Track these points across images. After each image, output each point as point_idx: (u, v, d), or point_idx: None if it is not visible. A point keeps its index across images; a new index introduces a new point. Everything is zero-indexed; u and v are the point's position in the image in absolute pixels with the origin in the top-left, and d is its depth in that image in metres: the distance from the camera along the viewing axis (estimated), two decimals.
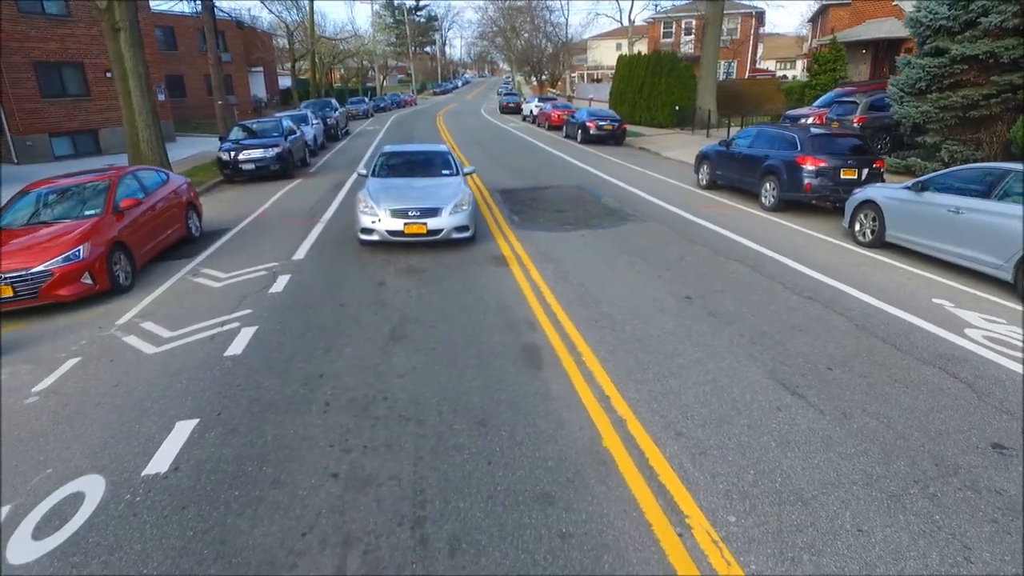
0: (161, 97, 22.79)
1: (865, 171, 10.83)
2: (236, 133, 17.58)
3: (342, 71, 68.35)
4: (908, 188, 8.50)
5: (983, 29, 11.86)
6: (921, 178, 8.50)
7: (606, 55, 64.82)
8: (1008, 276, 6.92)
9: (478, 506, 3.68)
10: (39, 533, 3.55)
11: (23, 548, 3.44)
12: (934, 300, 6.93)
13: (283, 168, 16.42)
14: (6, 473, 4.15)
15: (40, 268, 6.99)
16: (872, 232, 9.06)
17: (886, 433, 4.35)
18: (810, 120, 18.05)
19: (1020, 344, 5.74)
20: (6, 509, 3.77)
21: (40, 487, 3.98)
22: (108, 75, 22.35)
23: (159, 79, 24.35)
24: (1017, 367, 5.27)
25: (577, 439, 4.37)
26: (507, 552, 3.33)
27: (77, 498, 3.86)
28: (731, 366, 5.40)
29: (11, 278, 6.87)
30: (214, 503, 3.75)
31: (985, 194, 7.36)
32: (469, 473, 4.00)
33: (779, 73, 57.32)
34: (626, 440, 4.34)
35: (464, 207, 9.16)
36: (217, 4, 21.52)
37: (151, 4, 27.99)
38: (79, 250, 7.26)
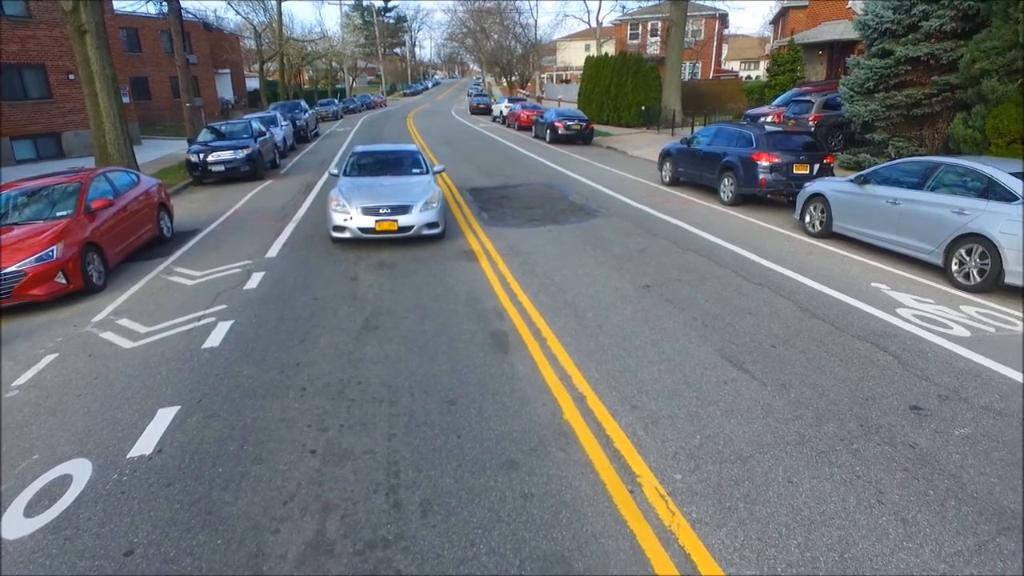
0: (125, 99, 22.51)
1: (816, 166, 11.44)
2: (205, 135, 17.57)
3: (311, 73, 67.88)
4: (852, 181, 9.05)
5: (924, 32, 12.57)
6: (864, 172, 9.06)
7: (575, 56, 65.58)
8: (939, 261, 7.48)
9: (448, 474, 4.00)
10: (30, 511, 3.76)
11: (16, 525, 3.64)
12: (873, 284, 7.46)
13: (253, 169, 16.49)
14: None
15: (13, 268, 7.08)
16: (821, 223, 9.60)
17: (819, 400, 4.79)
18: (769, 119, 18.74)
19: (945, 320, 6.26)
20: None
21: (27, 471, 4.17)
22: (71, 77, 22.12)
23: (123, 81, 24.03)
24: (941, 341, 5.78)
25: (540, 414, 4.71)
26: (474, 511, 3.65)
27: (65, 480, 4.06)
28: (684, 346, 5.81)
29: None
30: (199, 479, 4.00)
31: (919, 186, 7.93)
32: (440, 446, 4.31)
33: (743, 74, 58.70)
34: (585, 414, 4.70)
35: (434, 204, 9.45)
36: (183, 5, 21.37)
37: (115, 5, 27.62)
38: (52, 250, 7.37)
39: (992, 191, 7.05)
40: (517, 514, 3.62)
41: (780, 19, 40.54)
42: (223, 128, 17.99)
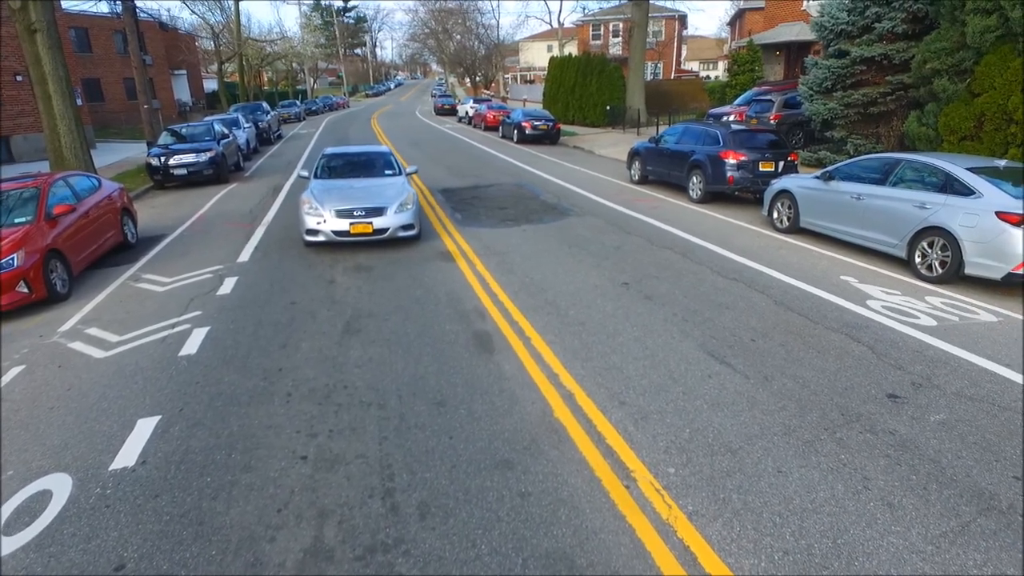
0: (78, 102, 21.66)
1: (781, 163, 11.75)
2: (165, 138, 17.08)
3: (271, 74, 66.56)
4: (817, 178, 9.34)
5: (878, 33, 13.06)
6: (828, 168, 9.35)
7: (538, 56, 65.84)
8: (902, 253, 7.78)
9: (443, 475, 3.98)
10: (10, 530, 3.60)
11: None
12: (842, 277, 7.71)
13: (217, 173, 16.10)
14: None
15: None
16: (788, 219, 9.87)
17: (801, 391, 4.93)
18: (731, 117, 19.15)
19: (913, 311, 6.51)
20: None
21: (2, 488, 3.99)
22: (18, 79, 21.23)
23: (75, 83, 23.07)
24: (910, 331, 6.02)
25: (530, 412, 4.73)
26: (472, 512, 3.64)
27: (44, 496, 3.90)
28: (666, 342, 5.90)
29: None
30: (187, 490, 3.89)
31: (881, 181, 8.23)
32: (432, 448, 4.29)
33: (703, 73, 59.84)
34: (575, 411, 4.73)
35: (409, 206, 9.38)
36: (137, 4, 20.69)
37: (64, 4, 26.60)
38: (12, 258, 7.06)
39: (950, 186, 7.36)
40: (516, 513, 3.63)
41: (737, 21, 41.53)
42: (184, 130, 17.55)
